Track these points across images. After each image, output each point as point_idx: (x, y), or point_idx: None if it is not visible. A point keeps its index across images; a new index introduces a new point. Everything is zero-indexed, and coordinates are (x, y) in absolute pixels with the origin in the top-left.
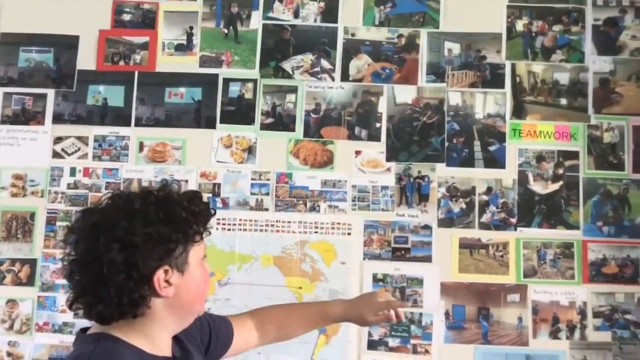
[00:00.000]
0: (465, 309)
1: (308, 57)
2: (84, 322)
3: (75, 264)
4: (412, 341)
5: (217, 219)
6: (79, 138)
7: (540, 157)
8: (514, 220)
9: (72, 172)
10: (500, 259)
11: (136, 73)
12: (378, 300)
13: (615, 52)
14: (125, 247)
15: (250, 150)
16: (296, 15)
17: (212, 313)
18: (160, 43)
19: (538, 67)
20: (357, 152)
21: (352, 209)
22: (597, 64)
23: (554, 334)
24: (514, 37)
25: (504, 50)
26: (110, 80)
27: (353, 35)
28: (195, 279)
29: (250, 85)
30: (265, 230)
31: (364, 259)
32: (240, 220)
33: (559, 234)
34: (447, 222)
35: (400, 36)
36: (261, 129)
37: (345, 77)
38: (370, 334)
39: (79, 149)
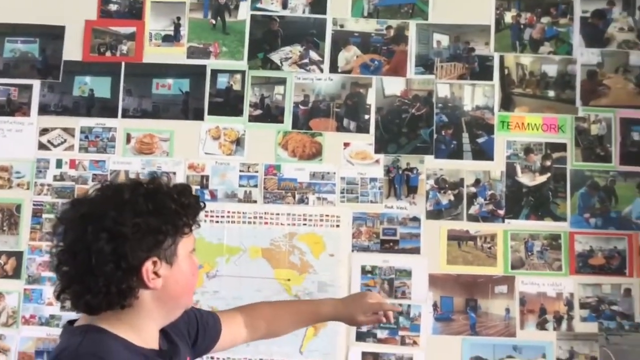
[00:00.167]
0: (453, 300)
1: (296, 49)
2: (71, 315)
3: (63, 254)
4: (401, 333)
5: (205, 211)
6: (65, 129)
7: (528, 149)
8: (501, 212)
9: (59, 163)
10: (488, 250)
11: (123, 64)
12: (369, 301)
13: (603, 44)
14: (114, 237)
15: (239, 142)
16: (284, 6)
17: (200, 308)
18: (148, 34)
19: (526, 59)
20: (346, 144)
21: (341, 201)
22: (585, 56)
23: (541, 325)
24: (502, 29)
25: (492, 42)
26: (97, 71)
27: (342, 26)
28: (184, 271)
29: (238, 76)
30: (254, 223)
31: (352, 251)
32: (229, 212)
33: (547, 226)
34: (436, 214)
35: (389, 28)
36: (249, 120)
37: (334, 68)
38: (358, 326)
39: (65, 140)
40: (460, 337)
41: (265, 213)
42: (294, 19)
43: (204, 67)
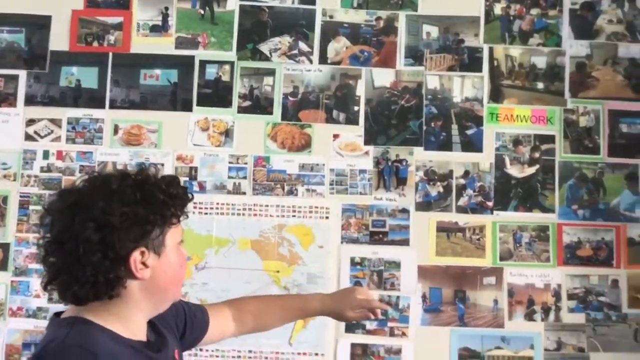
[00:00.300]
0: (442, 291)
1: (286, 40)
2: (59, 307)
3: (50, 245)
4: (390, 324)
5: (194, 203)
6: (52, 120)
7: (517, 141)
8: (490, 203)
9: (45, 155)
10: (476, 242)
11: (110, 54)
12: (357, 296)
13: (592, 36)
14: (101, 226)
15: (228, 133)
16: None
17: (188, 301)
18: (135, 24)
19: (515, 50)
20: (335, 136)
21: (330, 192)
22: (574, 48)
23: (529, 316)
24: (491, 21)
25: (482, 34)
26: (84, 61)
27: (331, 17)
28: (172, 262)
29: (227, 67)
30: (243, 214)
31: (341, 242)
32: (218, 204)
33: (535, 217)
34: (425, 205)
35: (378, 19)
36: (238, 112)
37: (323, 59)
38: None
39: (52, 131)
40: (448, 328)
41: (254, 205)
42: (283, 10)
43: (192, 57)
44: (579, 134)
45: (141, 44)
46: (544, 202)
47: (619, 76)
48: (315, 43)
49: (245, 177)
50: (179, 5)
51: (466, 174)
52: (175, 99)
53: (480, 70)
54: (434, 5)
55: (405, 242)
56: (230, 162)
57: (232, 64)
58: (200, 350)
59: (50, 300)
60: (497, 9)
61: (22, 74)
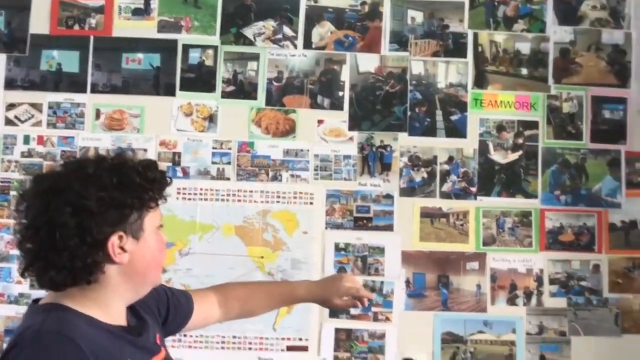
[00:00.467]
0: (425, 277)
1: (270, 24)
2: (41, 293)
3: (27, 230)
4: (374, 309)
5: (178, 189)
6: (33, 105)
7: (500, 127)
8: (474, 189)
9: (26, 140)
10: (460, 227)
11: (91, 38)
12: (345, 284)
13: (575, 22)
14: (78, 211)
15: (211, 118)
16: None
17: (172, 287)
18: (117, 7)
19: (500, 36)
20: (320, 121)
21: (315, 178)
22: (557, 34)
23: (512, 301)
24: (476, 7)
25: (466, 20)
26: (65, 45)
27: (316, 1)
28: (151, 246)
29: (210, 51)
30: (227, 200)
31: (326, 228)
32: (201, 189)
33: (518, 203)
34: (409, 191)
35: (363, 3)
36: (222, 97)
37: (307, 44)
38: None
39: (32, 116)
40: (432, 313)
41: (238, 190)
42: None
43: (175, 41)
44: (562, 120)
45: (123, 27)
46: (527, 187)
47: (602, 62)
48: (299, 28)
49: (229, 163)
50: None
51: (450, 159)
52: (158, 84)
53: (464, 55)
54: None
55: (389, 228)
56: (214, 148)
57: (215, 48)
58: (185, 335)
59: (32, 286)
60: None
61: (2, 58)
